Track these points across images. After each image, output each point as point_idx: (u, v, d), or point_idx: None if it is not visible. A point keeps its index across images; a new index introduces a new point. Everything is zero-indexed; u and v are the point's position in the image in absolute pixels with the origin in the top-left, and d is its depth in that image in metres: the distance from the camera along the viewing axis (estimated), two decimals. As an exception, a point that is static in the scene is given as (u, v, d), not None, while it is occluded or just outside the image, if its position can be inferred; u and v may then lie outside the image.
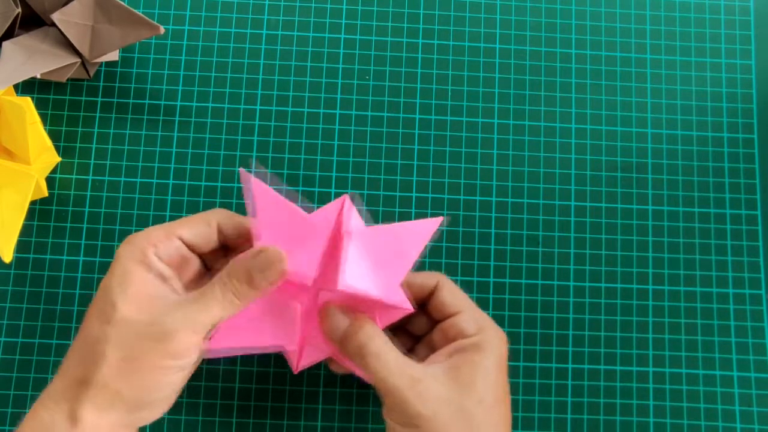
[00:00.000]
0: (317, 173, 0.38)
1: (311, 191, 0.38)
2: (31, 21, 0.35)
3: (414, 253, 0.29)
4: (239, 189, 0.38)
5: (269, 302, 0.29)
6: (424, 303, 0.32)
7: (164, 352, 0.26)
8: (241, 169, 0.30)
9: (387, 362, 0.27)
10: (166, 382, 0.27)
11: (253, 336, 0.29)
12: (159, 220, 0.37)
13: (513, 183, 0.38)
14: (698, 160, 0.39)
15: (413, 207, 0.38)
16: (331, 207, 0.29)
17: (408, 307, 0.29)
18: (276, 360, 0.36)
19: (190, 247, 0.30)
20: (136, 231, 0.30)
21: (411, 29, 0.40)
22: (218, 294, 0.27)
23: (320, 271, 0.28)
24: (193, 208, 0.37)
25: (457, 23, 0.40)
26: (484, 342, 0.29)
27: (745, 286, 0.38)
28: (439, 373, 0.28)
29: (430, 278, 0.32)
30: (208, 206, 0.37)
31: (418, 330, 0.33)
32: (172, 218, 0.37)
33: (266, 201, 0.28)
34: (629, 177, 0.39)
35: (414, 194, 0.38)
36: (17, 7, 0.33)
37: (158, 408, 0.28)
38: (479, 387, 0.27)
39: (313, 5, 0.40)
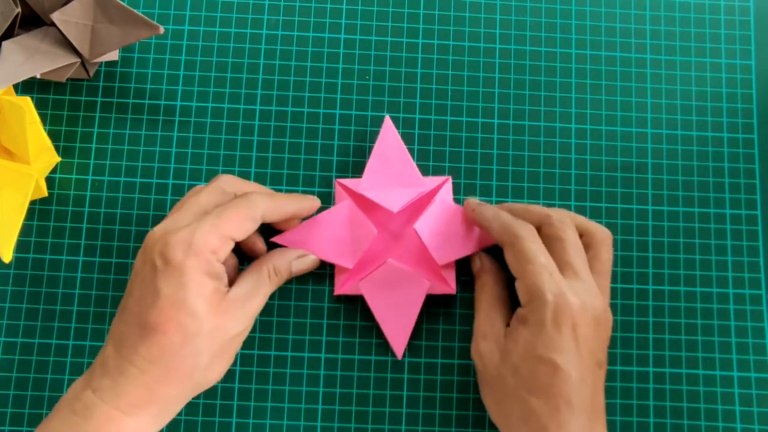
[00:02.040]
0: (317, 173, 0.38)
1: (311, 191, 0.38)
2: (30, 21, 0.35)
3: (476, 247, 0.36)
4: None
5: (349, 220, 0.36)
6: None
7: (239, 342, 0.31)
8: (388, 116, 0.37)
9: (479, 314, 0.33)
10: (229, 366, 0.32)
11: (320, 249, 0.35)
12: (159, 220, 0.37)
13: (513, 183, 0.38)
14: (698, 160, 0.39)
15: (413, 207, 0.38)
16: (434, 179, 0.37)
17: (450, 289, 0.36)
18: (275, 360, 0.36)
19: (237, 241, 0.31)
20: (153, 227, 0.31)
21: (411, 29, 0.40)
22: (269, 287, 0.32)
23: (404, 212, 0.36)
24: (193, 208, 0.37)
25: (457, 23, 0.40)
26: (528, 314, 0.30)
27: (745, 286, 0.38)
28: (501, 336, 0.31)
29: (502, 232, 0.32)
30: (208, 206, 0.37)
31: None
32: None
33: (390, 142, 0.36)
34: (629, 177, 0.39)
35: (414, 194, 0.38)
36: (17, 7, 0.33)
37: None
38: (514, 360, 0.30)
39: (313, 5, 0.40)
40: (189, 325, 0.28)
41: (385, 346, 0.36)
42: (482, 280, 0.34)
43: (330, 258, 0.35)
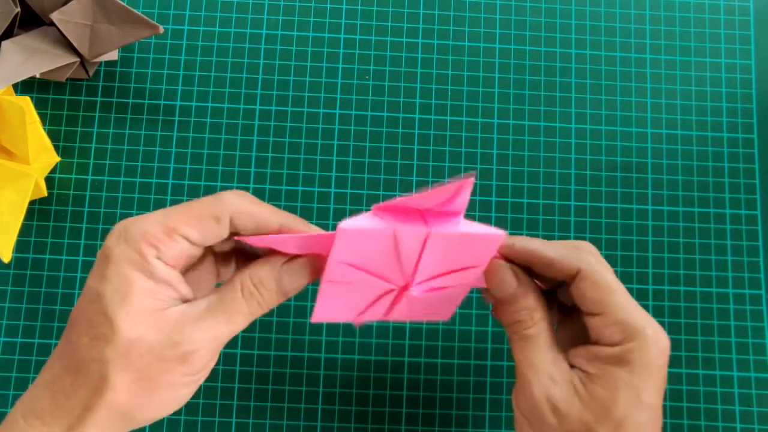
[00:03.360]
0: (317, 173, 0.38)
1: (311, 191, 0.38)
2: (30, 21, 0.35)
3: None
4: (238, 189, 0.37)
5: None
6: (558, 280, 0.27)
7: (183, 372, 0.23)
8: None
9: (535, 350, 0.26)
10: (181, 397, 0.25)
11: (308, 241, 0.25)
12: (158, 219, 0.37)
13: (513, 183, 0.38)
14: (698, 160, 0.39)
15: (413, 207, 0.38)
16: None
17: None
18: (275, 360, 0.36)
19: (196, 243, 0.25)
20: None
21: (411, 29, 0.40)
22: (243, 306, 0.24)
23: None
24: (193, 208, 0.37)
25: (457, 23, 0.40)
26: (629, 354, 0.24)
27: (745, 286, 0.38)
28: (577, 382, 0.25)
29: (570, 261, 0.26)
30: (208, 206, 0.37)
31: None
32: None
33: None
34: (629, 177, 0.39)
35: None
36: (16, 7, 0.33)
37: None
38: (617, 412, 0.24)
39: (313, 5, 0.40)
40: (99, 325, 0.22)
41: (384, 347, 0.36)
42: (527, 305, 0.27)
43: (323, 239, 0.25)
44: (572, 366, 0.26)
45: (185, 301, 0.24)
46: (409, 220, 0.25)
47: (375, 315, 0.28)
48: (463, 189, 0.24)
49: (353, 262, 0.25)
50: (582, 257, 0.26)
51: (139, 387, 0.23)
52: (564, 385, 0.25)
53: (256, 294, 0.25)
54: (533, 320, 0.26)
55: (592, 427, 0.24)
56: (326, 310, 0.27)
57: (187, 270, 0.26)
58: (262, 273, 0.25)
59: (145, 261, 0.23)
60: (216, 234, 0.24)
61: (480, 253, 0.26)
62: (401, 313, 0.28)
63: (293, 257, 0.25)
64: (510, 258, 0.28)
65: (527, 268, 0.27)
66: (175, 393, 0.24)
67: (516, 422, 0.27)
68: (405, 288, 0.27)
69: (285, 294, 0.25)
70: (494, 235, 0.25)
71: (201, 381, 0.25)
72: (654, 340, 0.25)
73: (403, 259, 0.26)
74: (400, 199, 0.24)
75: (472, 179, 0.24)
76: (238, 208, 0.24)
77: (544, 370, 0.25)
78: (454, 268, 0.27)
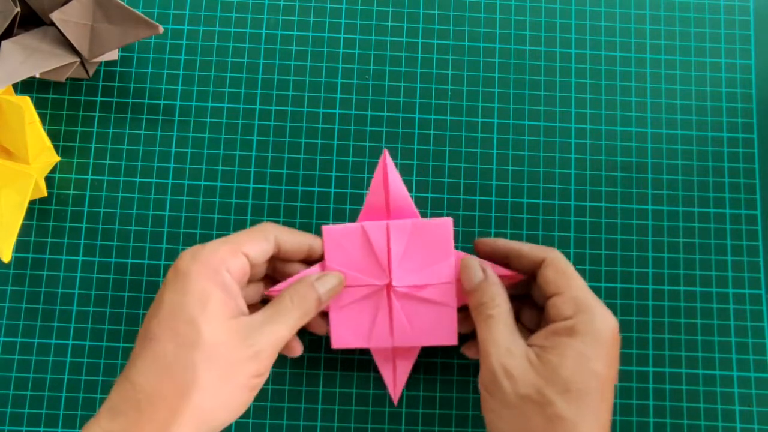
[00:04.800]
0: (317, 173, 0.38)
1: (311, 191, 0.38)
2: (30, 20, 0.35)
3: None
4: (238, 188, 0.38)
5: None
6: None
7: (252, 371, 0.27)
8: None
9: (495, 327, 0.29)
10: (245, 403, 0.28)
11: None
12: (158, 219, 0.37)
13: (513, 183, 0.38)
14: (698, 160, 0.39)
15: (413, 207, 0.38)
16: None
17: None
18: (275, 360, 0.36)
19: (250, 262, 0.30)
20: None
21: (411, 29, 0.40)
22: (294, 311, 0.29)
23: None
24: (193, 208, 0.37)
25: (457, 23, 0.40)
26: (579, 325, 0.28)
27: (744, 285, 0.38)
28: (532, 355, 0.28)
29: (539, 252, 0.31)
30: (207, 206, 0.37)
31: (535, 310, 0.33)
32: (170, 218, 0.37)
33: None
34: (629, 177, 0.39)
35: (414, 194, 0.38)
36: (16, 6, 0.33)
37: None
38: (565, 374, 0.27)
39: (312, 5, 0.40)
40: (185, 332, 0.26)
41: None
42: (490, 292, 0.31)
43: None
44: (530, 345, 0.29)
45: (242, 313, 0.28)
46: (375, 219, 0.33)
47: (382, 336, 0.33)
48: (384, 164, 0.33)
49: (343, 263, 0.33)
50: (548, 251, 0.31)
51: (221, 387, 0.26)
52: (519, 357, 0.28)
53: (300, 302, 0.30)
54: (495, 303, 0.30)
55: (542, 389, 0.27)
56: (341, 333, 0.33)
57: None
58: (299, 286, 0.31)
59: (218, 275, 0.28)
60: (266, 250, 0.30)
61: (440, 243, 0.32)
62: (405, 333, 0.33)
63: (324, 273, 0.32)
64: (492, 252, 0.33)
65: (505, 264, 0.33)
66: (244, 397, 0.28)
67: (481, 400, 0.29)
68: (390, 286, 0.33)
69: (321, 302, 0.31)
70: (443, 220, 0.32)
71: (260, 386, 0.29)
72: (601, 316, 0.28)
73: (377, 253, 0.32)
74: (366, 203, 0.33)
75: (385, 152, 0.33)
76: (281, 232, 0.31)
77: (502, 343, 0.29)
78: (424, 263, 0.32)
